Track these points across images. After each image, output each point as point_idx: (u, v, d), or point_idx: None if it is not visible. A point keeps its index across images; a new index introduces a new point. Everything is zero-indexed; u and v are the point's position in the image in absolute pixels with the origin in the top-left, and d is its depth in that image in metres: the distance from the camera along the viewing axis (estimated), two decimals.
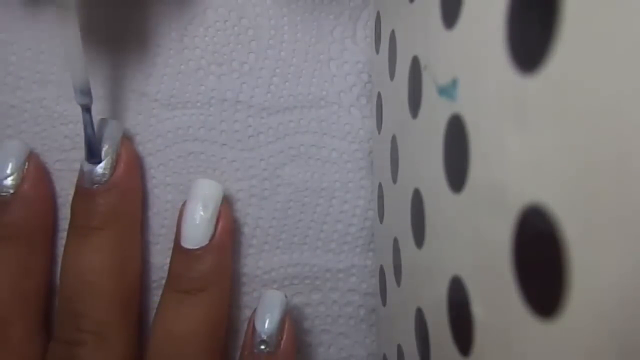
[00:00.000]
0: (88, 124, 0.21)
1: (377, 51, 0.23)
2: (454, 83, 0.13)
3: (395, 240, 0.20)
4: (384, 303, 0.23)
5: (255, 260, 0.25)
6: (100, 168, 0.22)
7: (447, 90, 0.14)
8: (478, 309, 0.12)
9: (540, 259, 0.10)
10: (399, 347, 0.20)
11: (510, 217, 0.10)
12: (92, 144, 0.21)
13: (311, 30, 0.25)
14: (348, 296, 0.26)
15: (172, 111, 0.25)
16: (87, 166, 0.22)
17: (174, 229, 0.25)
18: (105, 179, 0.22)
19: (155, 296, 0.25)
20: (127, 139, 0.23)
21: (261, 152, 0.25)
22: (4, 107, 0.24)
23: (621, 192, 0.08)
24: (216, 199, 0.23)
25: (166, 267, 0.25)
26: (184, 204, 0.23)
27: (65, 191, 0.24)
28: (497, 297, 0.11)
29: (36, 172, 0.23)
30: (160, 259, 0.25)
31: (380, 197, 0.23)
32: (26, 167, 0.22)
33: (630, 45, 0.07)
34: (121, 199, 0.22)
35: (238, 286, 0.25)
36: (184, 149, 0.25)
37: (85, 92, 0.21)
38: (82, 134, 0.24)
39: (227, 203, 0.23)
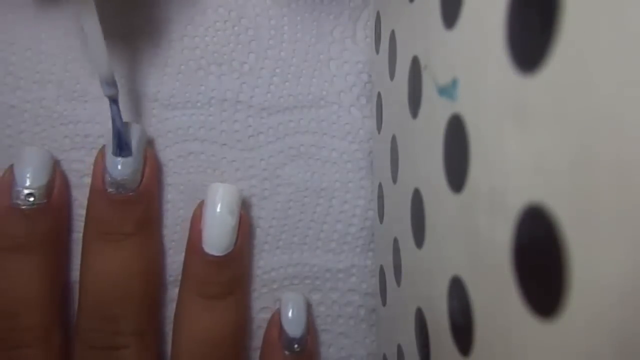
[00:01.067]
0: (116, 115, 0.21)
1: (377, 51, 0.23)
2: (454, 83, 0.13)
3: (395, 240, 0.20)
4: (384, 303, 0.23)
5: (255, 260, 0.25)
6: (130, 174, 0.21)
7: (447, 90, 0.14)
8: (478, 309, 0.12)
9: (540, 259, 0.10)
10: (399, 347, 0.20)
11: (510, 217, 0.10)
12: (122, 136, 0.21)
13: (311, 30, 0.25)
14: (348, 296, 0.26)
15: (172, 111, 0.25)
16: (116, 172, 0.21)
17: (174, 229, 0.25)
18: (135, 185, 0.22)
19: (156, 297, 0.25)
20: (149, 145, 0.24)
21: (261, 152, 0.25)
22: (4, 107, 0.24)
23: (621, 192, 0.08)
24: (238, 204, 0.22)
25: (165, 269, 0.25)
26: (200, 208, 0.23)
27: None
28: (497, 297, 0.11)
29: (62, 180, 0.23)
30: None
31: (380, 197, 0.23)
32: (54, 176, 0.22)
33: (629, 45, 0.07)
34: (150, 204, 0.23)
35: None
36: (184, 149, 0.25)
37: (111, 83, 0.20)
38: (82, 133, 0.24)
39: (243, 206, 0.24)
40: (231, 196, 0.22)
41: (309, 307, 0.25)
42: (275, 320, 0.24)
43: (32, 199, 0.21)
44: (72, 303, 0.24)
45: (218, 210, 0.22)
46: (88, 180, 0.24)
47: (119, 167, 0.21)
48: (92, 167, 0.24)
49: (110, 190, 0.21)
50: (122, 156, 0.21)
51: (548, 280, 0.09)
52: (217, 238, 0.22)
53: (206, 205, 0.22)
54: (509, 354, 0.11)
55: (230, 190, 0.22)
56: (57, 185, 0.22)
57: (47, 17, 0.24)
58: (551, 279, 0.09)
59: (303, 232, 0.26)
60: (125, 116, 0.24)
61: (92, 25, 0.19)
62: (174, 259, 0.25)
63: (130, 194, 0.22)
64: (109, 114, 0.24)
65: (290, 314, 0.24)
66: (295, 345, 0.23)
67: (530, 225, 0.10)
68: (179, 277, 0.24)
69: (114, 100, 0.21)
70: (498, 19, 0.11)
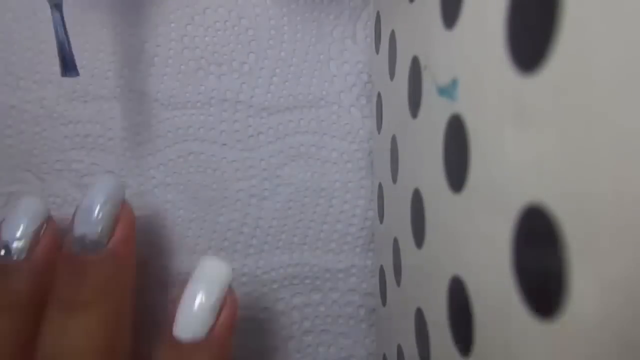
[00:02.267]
0: (59, 25, 0.17)
1: (377, 51, 0.23)
2: (454, 83, 0.13)
3: (395, 240, 0.20)
4: (384, 303, 0.23)
5: (255, 260, 0.25)
6: (94, 234, 0.19)
7: (447, 90, 0.14)
8: (478, 309, 0.12)
9: (540, 259, 0.10)
10: (399, 347, 0.20)
11: (510, 217, 0.10)
12: (67, 52, 0.18)
13: (311, 30, 0.25)
14: (348, 296, 0.26)
15: (172, 111, 0.25)
16: (79, 230, 0.19)
17: (174, 230, 0.25)
18: (99, 246, 0.19)
19: (155, 298, 0.25)
20: (126, 201, 0.21)
21: (261, 152, 0.25)
22: (4, 107, 0.24)
23: (621, 192, 0.08)
24: (222, 284, 0.19)
25: (165, 270, 0.25)
26: (182, 288, 0.20)
27: (65, 191, 0.24)
28: (497, 297, 0.11)
29: (51, 237, 0.20)
30: (159, 260, 0.25)
31: (380, 197, 0.23)
32: (43, 231, 0.20)
33: (629, 46, 0.07)
34: (115, 270, 0.19)
35: (238, 286, 0.25)
36: (184, 149, 0.25)
37: None
38: (82, 133, 0.24)
39: (233, 290, 0.20)
40: (214, 272, 0.19)
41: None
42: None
43: (3, 252, 0.19)
44: None
45: (193, 286, 0.19)
46: (88, 180, 0.24)
47: (81, 221, 0.19)
48: (91, 167, 0.24)
49: (73, 249, 0.19)
50: (68, 76, 0.18)
51: (548, 280, 0.09)
52: (184, 318, 0.18)
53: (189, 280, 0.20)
54: (509, 354, 0.11)
55: (214, 266, 0.19)
56: (44, 244, 0.20)
57: (47, 17, 0.24)
58: (551, 279, 0.09)
59: (303, 232, 0.26)
60: (125, 116, 0.24)
61: None
62: (173, 260, 0.25)
63: (92, 255, 0.19)
64: (109, 114, 0.24)
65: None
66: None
67: (530, 225, 0.10)
68: (177, 280, 0.24)
69: (56, 6, 0.17)
70: (498, 19, 0.11)
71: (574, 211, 0.09)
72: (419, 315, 0.17)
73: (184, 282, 0.24)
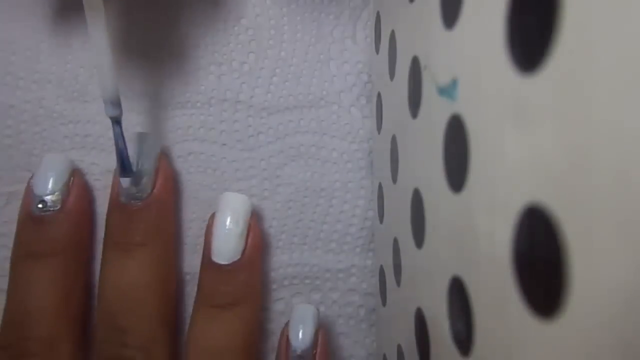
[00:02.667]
0: (119, 137, 0.20)
1: (377, 51, 0.23)
2: (454, 83, 0.13)
3: (395, 240, 0.20)
4: (384, 303, 0.23)
5: None
6: (140, 184, 0.22)
7: (447, 90, 0.14)
8: (478, 309, 0.12)
9: (540, 259, 0.10)
10: (399, 347, 0.20)
11: (510, 217, 0.10)
12: (125, 158, 0.21)
13: (311, 30, 0.25)
14: (348, 296, 0.26)
15: (172, 111, 0.25)
16: (126, 182, 0.21)
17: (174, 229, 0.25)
18: (144, 195, 0.22)
19: None
20: (163, 154, 0.23)
21: (261, 152, 0.25)
22: (4, 107, 0.24)
23: (621, 192, 0.08)
24: (246, 213, 0.22)
25: None
26: (211, 218, 0.23)
27: None
28: (497, 297, 0.11)
29: (80, 188, 0.23)
30: None
31: (380, 197, 0.23)
32: (71, 182, 0.22)
33: (630, 46, 0.07)
34: (160, 214, 0.22)
35: None
36: (184, 149, 0.25)
37: (115, 104, 0.20)
38: (82, 133, 0.24)
39: (255, 217, 0.23)
40: (237, 204, 0.22)
41: (319, 319, 0.24)
42: (285, 332, 0.23)
43: (41, 205, 0.21)
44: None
45: (222, 218, 0.22)
46: (87, 180, 0.24)
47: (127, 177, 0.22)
48: (91, 167, 0.24)
49: (122, 199, 0.22)
50: (125, 177, 0.21)
51: (548, 280, 0.09)
52: (220, 246, 0.22)
53: (214, 214, 0.23)
54: (509, 354, 0.11)
55: (236, 199, 0.22)
56: (73, 193, 0.22)
57: (47, 16, 0.24)
58: (551, 279, 0.09)
59: (303, 232, 0.26)
60: (125, 116, 0.24)
61: (100, 41, 0.19)
62: None
63: (134, 202, 0.22)
64: None
65: (294, 325, 0.23)
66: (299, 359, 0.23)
67: (530, 225, 0.10)
68: (177, 280, 0.24)
69: (117, 122, 0.20)
70: (498, 19, 0.11)
71: (574, 211, 0.09)
72: (419, 315, 0.17)
73: (183, 281, 0.24)
